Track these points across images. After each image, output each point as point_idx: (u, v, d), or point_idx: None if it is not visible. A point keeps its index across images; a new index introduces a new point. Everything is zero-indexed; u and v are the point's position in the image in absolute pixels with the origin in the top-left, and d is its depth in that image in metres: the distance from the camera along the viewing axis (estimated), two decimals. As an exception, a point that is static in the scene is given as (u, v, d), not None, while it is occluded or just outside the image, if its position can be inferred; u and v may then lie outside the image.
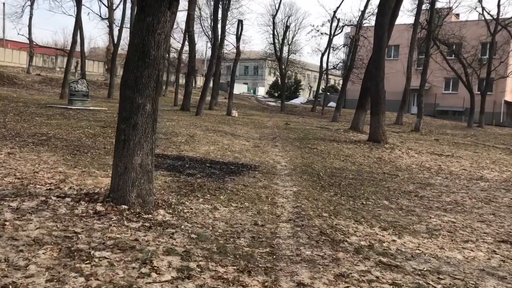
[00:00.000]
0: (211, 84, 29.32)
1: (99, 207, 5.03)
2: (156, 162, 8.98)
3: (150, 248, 4.02)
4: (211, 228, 4.97)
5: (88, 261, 3.61)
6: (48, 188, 5.87)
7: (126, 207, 5.13)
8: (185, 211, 5.54)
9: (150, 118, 5.29)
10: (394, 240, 5.32)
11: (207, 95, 24.99)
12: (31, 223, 4.37)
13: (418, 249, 5.09)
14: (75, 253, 3.74)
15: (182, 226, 4.85)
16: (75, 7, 26.27)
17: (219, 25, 27.10)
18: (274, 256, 4.29)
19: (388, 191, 8.53)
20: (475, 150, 17.30)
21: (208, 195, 6.63)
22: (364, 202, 7.38)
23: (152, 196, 5.50)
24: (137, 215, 4.98)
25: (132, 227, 4.56)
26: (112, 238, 4.16)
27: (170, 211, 5.40)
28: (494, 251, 5.33)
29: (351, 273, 4.01)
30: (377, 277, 3.99)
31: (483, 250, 5.33)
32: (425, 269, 4.37)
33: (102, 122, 14.49)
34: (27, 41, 43.09)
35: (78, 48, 28.77)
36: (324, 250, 4.63)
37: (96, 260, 3.65)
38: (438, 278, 4.16)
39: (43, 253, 3.68)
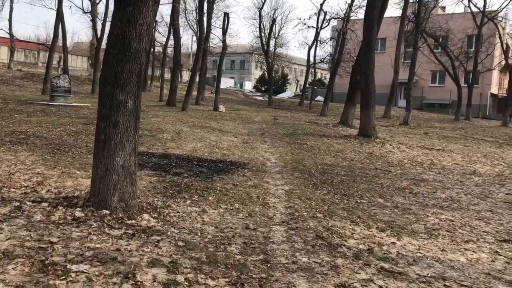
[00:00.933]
0: (197, 79, 28.81)
1: (78, 213, 4.65)
2: (141, 160, 8.62)
3: (133, 259, 3.67)
4: (199, 234, 4.63)
5: (63, 277, 3.24)
6: (23, 192, 5.47)
7: (107, 212, 4.76)
8: (171, 215, 5.19)
9: (132, 116, 4.91)
10: (393, 243, 5.03)
11: (193, 90, 24.50)
12: (1, 233, 3.98)
13: (419, 252, 4.81)
14: (50, 267, 3.37)
15: (169, 233, 4.50)
16: (56, 0, 25.57)
17: (205, 18, 26.57)
18: (269, 265, 3.97)
19: (382, 188, 8.27)
20: (465, 143, 17.17)
21: (196, 196, 6.28)
22: (359, 201, 7.10)
23: (136, 199, 5.13)
24: (119, 221, 4.61)
25: (114, 235, 4.19)
26: (91, 249, 3.79)
27: (156, 215, 5.04)
28: (497, 251, 5.08)
29: (352, 283, 3.71)
30: (381, 287, 3.70)
31: (485, 251, 5.08)
32: (429, 275, 4.09)
33: (84, 119, 14.00)
34: (8, 36, 42.03)
35: (60, 43, 28.07)
36: (322, 256, 4.33)
37: (73, 275, 3.29)
38: (445, 285, 3.88)
39: (13, 268, 3.30)
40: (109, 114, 4.81)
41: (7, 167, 6.80)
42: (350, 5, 33.28)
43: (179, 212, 5.32)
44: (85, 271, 3.35)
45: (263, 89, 60.81)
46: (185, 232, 4.61)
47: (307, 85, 46.49)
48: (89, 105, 19.02)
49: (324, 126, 19.84)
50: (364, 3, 34.94)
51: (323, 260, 4.19)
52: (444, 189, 8.61)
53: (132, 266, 3.50)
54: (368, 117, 14.99)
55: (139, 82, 4.91)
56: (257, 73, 72.29)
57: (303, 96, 44.50)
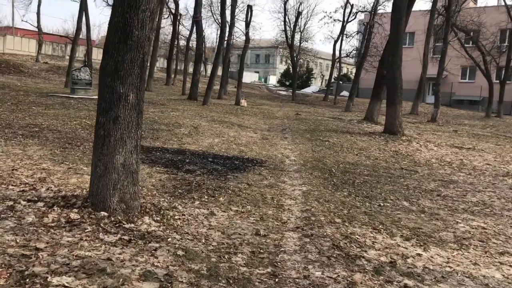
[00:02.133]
0: (219, 72, 28.47)
1: (73, 215, 4.30)
2: (154, 156, 8.29)
3: (124, 270, 3.29)
4: (203, 241, 4.22)
5: (41, 291, 2.88)
6: (21, 189, 5.16)
7: (105, 214, 4.40)
8: (176, 217, 4.80)
9: (134, 110, 4.52)
10: (419, 254, 4.52)
11: (214, 83, 24.15)
12: (-15, 237, 3.66)
13: (449, 266, 4.30)
14: (28, 279, 3.01)
15: (169, 239, 4.11)
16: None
17: (228, 11, 26.16)
18: (277, 280, 3.54)
19: (408, 190, 7.71)
20: (496, 142, 16.31)
21: (206, 197, 5.88)
22: (382, 204, 6.58)
23: (138, 200, 4.76)
24: (116, 225, 4.24)
25: (108, 241, 3.82)
26: (80, 257, 3.43)
27: (158, 218, 4.66)
28: (538, 266, 4.53)
29: (371, 305, 3.24)
30: (404, 311, 3.22)
31: (524, 265, 4.52)
32: (461, 296, 3.59)
33: (102, 112, 13.80)
34: (36, 29, 42.50)
35: (85, 36, 28.12)
36: (338, 269, 3.86)
37: (53, 289, 2.92)
38: (479, 310, 3.37)
39: (-13, 280, 2.96)
40: (109, 108, 4.44)
41: (12, 162, 6.54)
42: (378, -3, 32.29)
43: (184, 215, 4.93)
44: (67, 284, 2.98)
45: (287, 84, 60.11)
46: (187, 239, 4.21)
47: (332, 80, 45.65)
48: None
49: (348, 122, 19.21)
50: (393, -4, 33.96)
51: (338, 275, 3.73)
52: (475, 192, 7.99)
53: (121, 280, 3.11)
54: (394, 114, 14.33)
55: (142, 74, 4.52)
56: (282, 67, 71.56)
57: (327, 91, 43.68)
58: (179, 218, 4.78)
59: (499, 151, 13.61)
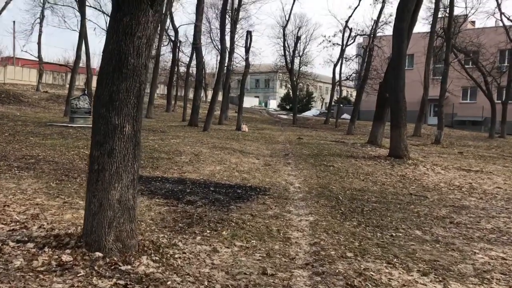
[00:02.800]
0: (220, 98, 28.37)
1: (65, 257, 3.98)
2: (154, 187, 7.98)
3: (118, 323, 2.95)
4: (206, 283, 3.88)
5: None
6: (12, 228, 4.85)
7: (100, 254, 4.08)
8: (176, 256, 4.46)
9: (131, 142, 4.25)
10: (440, 292, 4.17)
11: (215, 109, 24.00)
12: (-34, 286, 3.33)
13: (473, 305, 3.94)
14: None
15: (169, 282, 3.77)
16: (79, 21, 25.63)
17: (227, 37, 26.24)
18: (288, 328, 3.19)
19: (419, 217, 7.36)
20: (504, 164, 15.98)
21: (208, 231, 5.55)
22: (394, 234, 6.23)
23: (135, 238, 4.44)
24: (112, 267, 3.91)
25: (102, 287, 3.48)
26: (70, 308, 3.10)
27: (157, 257, 4.32)
28: None
29: None
30: None
31: (554, 302, 4.16)
32: None
33: (101, 141, 13.55)
34: (37, 59, 42.74)
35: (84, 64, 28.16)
36: (354, 314, 3.51)
37: None
38: None
39: None
40: (103, 140, 4.16)
41: (5, 197, 6.23)
42: (377, 21, 32.51)
43: (185, 253, 4.59)
44: None
45: (288, 108, 60.14)
46: (189, 281, 3.87)
47: (333, 103, 45.62)
48: (109, 126, 18.65)
49: (352, 145, 18.93)
50: (391, 19, 34.15)
51: (356, 321, 3.38)
52: (489, 218, 7.64)
53: (114, 335, 2.77)
54: (399, 137, 14.05)
55: (138, 104, 4.26)
56: (282, 91, 71.80)
57: (328, 114, 43.59)
58: (180, 257, 4.44)
59: (508, 174, 13.26)
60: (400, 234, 6.25)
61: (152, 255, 4.35)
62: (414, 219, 7.22)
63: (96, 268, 3.81)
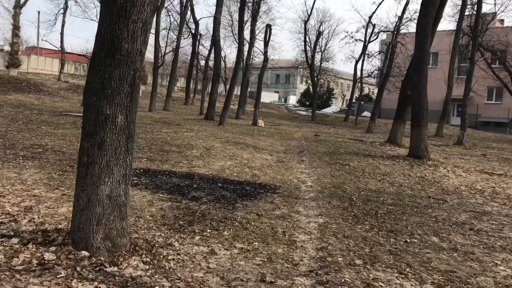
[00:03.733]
0: (238, 92, 28.03)
1: (48, 255, 3.70)
2: (159, 181, 7.71)
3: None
4: (197, 290, 3.56)
5: None
6: (0, 221, 4.60)
7: (86, 254, 3.80)
8: (169, 258, 4.16)
9: (123, 134, 3.95)
10: (456, 310, 3.77)
11: (231, 103, 23.69)
12: None
13: (493, 326, 3.54)
14: None
15: (157, 287, 3.46)
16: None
17: (247, 31, 25.88)
18: None
19: (436, 222, 6.92)
20: (530, 167, 15.27)
21: (209, 230, 5.23)
22: (408, 240, 5.82)
23: (126, 237, 4.14)
24: (97, 268, 3.62)
25: (80, 291, 3.20)
26: (40, 315, 2.81)
27: (148, 258, 4.02)
28: None
29: None
30: None
31: None
32: None
33: (113, 132, 13.37)
34: (59, 49, 43.05)
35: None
36: (357, 332, 3.15)
37: None
38: None
39: None
40: (94, 131, 3.87)
41: (2, 187, 6.02)
42: (401, 17, 31.70)
43: (180, 254, 4.28)
44: None
45: (307, 104, 59.50)
46: (178, 287, 3.55)
47: (354, 100, 44.87)
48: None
49: (370, 144, 18.41)
50: (415, 15, 33.33)
51: None
52: (512, 226, 7.15)
53: None
54: (419, 136, 13.51)
55: (132, 93, 3.95)
56: (302, 87, 71.13)
57: (348, 111, 42.89)
58: (173, 259, 4.14)
59: (533, 178, 12.62)
60: (415, 241, 5.84)
61: (144, 255, 4.06)
62: (431, 224, 6.78)
63: (79, 269, 3.52)
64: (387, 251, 5.22)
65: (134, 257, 3.95)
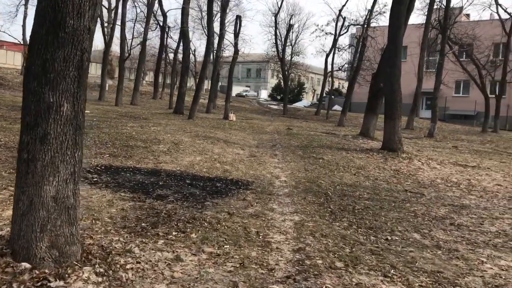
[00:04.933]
0: (208, 86, 27.42)
1: (-20, 269, 3.12)
2: (122, 179, 7.13)
3: None
4: (157, 306, 3.06)
5: None
6: None
7: (28, 266, 3.24)
8: (127, 266, 3.64)
9: (70, 126, 3.39)
10: (449, 317, 3.40)
11: (201, 97, 23.07)
12: None
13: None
14: None
15: (109, 304, 2.95)
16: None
17: (217, 23, 25.21)
18: None
19: (416, 217, 6.61)
20: (501, 159, 15.31)
21: (175, 233, 4.73)
22: (389, 237, 5.46)
23: (77, 244, 3.60)
24: (39, 283, 3.08)
25: (14, 314, 2.65)
26: None
27: (102, 269, 3.49)
28: None
29: None
30: None
31: None
32: None
33: (75, 127, 12.60)
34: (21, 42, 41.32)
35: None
36: None
37: None
38: None
39: None
40: (35, 123, 3.31)
41: None
42: (371, 10, 31.63)
43: (140, 262, 3.76)
44: None
45: (279, 98, 59.26)
46: (136, 302, 3.05)
47: (324, 94, 44.82)
48: (88, 111, 17.69)
49: (343, 137, 18.16)
50: (385, 9, 33.45)
51: None
52: (492, 220, 6.91)
53: None
54: (393, 129, 13.28)
55: (80, 78, 3.40)
56: (273, 81, 70.88)
57: (319, 105, 42.78)
58: (132, 268, 3.62)
59: (506, 170, 12.58)
60: (397, 238, 5.48)
61: (97, 265, 3.52)
62: (411, 220, 6.46)
63: (15, 285, 2.96)
64: (369, 251, 4.84)
65: (85, 268, 3.41)
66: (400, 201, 7.64)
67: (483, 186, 9.74)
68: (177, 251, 4.16)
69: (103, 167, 7.91)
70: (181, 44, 30.28)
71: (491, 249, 5.39)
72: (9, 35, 39.32)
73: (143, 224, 4.95)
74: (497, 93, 32.33)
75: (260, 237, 4.93)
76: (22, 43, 40.94)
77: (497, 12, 32.65)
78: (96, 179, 6.93)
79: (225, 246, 4.47)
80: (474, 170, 12.01)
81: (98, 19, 30.08)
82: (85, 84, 3.46)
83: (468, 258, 4.96)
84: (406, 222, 6.31)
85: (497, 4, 31.58)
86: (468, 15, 44.30)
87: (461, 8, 33.00)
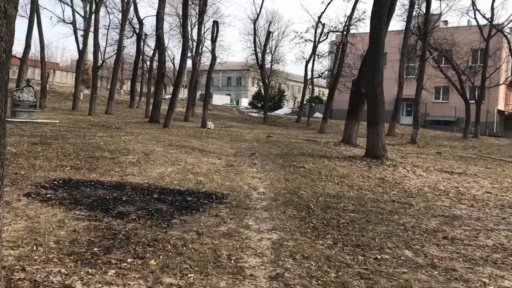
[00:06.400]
0: (185, 95, 26.64)
1: None
2: (81, 194, 6.38)
3: None
4: None
5: None
6: None
7: None
8: (61, 310, 2.91)
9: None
10: None
11: (177, 105, 22.31)
12: None
13: None
14: None
15: None
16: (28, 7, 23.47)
17: (196, 30, 24.55)
18: None
19: (405, 231, 6.02)
20: (486, 165, 14.94)
21: (130, 260, 4.01)
22: (379, 256, 4.84)
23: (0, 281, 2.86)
24: None
25: None
26: None
27: (27, 315, 2.76)
28: None
29: None
30: None
31: None
32: None
33: (38, 137, 11.73)
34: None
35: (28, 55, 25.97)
36: None
37: None
38: None
39: None
40: None
41: None
42: (350, 17, 31.37)
43: (79, 303, 3.04)
44: None
45: (259, 106, 58.75)
46: None
47: (305, 102, 44.45)
48: (58, 121, 16.81)
49: (324, 145, 17.60)
50: (364, 15, 33.20)
51: None
52: (487, 232, 6.36)
53: None
54: (376, 135, 12.74)
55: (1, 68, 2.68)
56: (253, 89, 70.43)
57: (300, 112, 42.37)
58: (67, 311, 2.89)
59: (493, 176, 12.16)
60: (387, 257, 4.86)
61: (22, 309, 2.79)
62: (401, 234, 5.86)
63: None
64: (357, 275, 4.20)
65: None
66: (388, 213, 7.05)
67: (473, 194, 9.23)
68: (129, 284, 3.45)
69: (61, 181, 7.13)
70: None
71: (491, 266, 4.82)
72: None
73: (95, 249, 4.22)
74: (476, 99, 32.35)
75: (232, 261, 4.25)
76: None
77: (475, 18, 32.83)
78: (49, 195, 6.16)
79: (189, 275, 3.78)
80: (461, 177, 11.54)
81: (72, 26, 29.17)
82: (6, 82, 2.75)
83: (469, 279, 4.37)
84: (395, 237, 5.70)
85: (474, 10, 31.69)
86: (446, 22, 44.62)
87: (439, 15, 33.04)
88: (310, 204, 7.13)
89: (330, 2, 36.77)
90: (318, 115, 44.85)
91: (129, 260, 4.00)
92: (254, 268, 4.14)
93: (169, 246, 4.47)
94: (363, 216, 6.65)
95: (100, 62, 29.14)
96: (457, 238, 5.89)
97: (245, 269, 4.09)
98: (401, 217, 6.80)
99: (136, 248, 4.31)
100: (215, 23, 25.06)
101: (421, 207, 7.73)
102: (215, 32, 24.48)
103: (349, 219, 6.41)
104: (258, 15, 40.11)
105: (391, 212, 7.15)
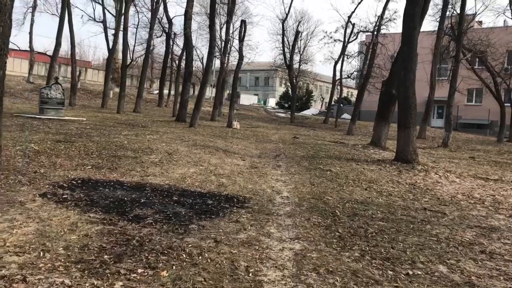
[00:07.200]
0: (211, 94, 26.53)
1: None
2: (98, 195, 6.19)
3: None
4: None
5: None
6: None
7: None
8: (60, 327, 2.66)
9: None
10: None
11: (205, 104, 22.16)
12: None
13: None
14: None
15: None
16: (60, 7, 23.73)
17: (223, 29, 24.36)
18: None
19: (439, 243, 5.58)
20: (523, 171, 14.17)
21: (141, 270, 3.75)
22: (410, 272, 4.45)
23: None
24: None
25: None
26: None
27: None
28: None
29: None
30: None
31: None
32: None
33: (62, 135, 11.69)
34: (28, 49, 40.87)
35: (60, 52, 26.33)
36: None
37: None
38: None
39: None
40: None
41: None
42: (381, 16, 30.65)
43: (80, 320, 2.79)
44: None
45: (286, 106, 58.30)
46: None
47: (333, 102, 43.79)
48: (85, 119, 16.86)
49: (352, 147, 17.11)
50: (395, 15, 32.53)
51: None
52: (529, 246, 5.85)
53: None
54: (408, 138, 12.20)
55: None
56: (281, 89, 70.02)
57: (328, 113, 41.76)
58: (66, 329, 2.64)
59: (532, 184, 11.46)
60: (419, 272, 4.47)
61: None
62: (434, 246, 5.44)
63: None
64: (387, 293, 3.83)
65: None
66: (419, 222, 6.61)
67: (511, 203, 8.66)
68: (137, 299, 3.19)
69: (79, 181, 6.97)
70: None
71: (537, 287, 4.36)
72: (12, 43, 38.46)
73: (105, 256, 3.98)
74: (512, 102, 31.13)
75: (250, 274, 3.94)
76: (29, 50, 40.53)
77: (512, 18, 31.49)
78: (66, 196, 5.99)
79: (202, 290, 3.49)
80: (497, 184, 10.92)
81: (102, 25, 29.45)
82: (1, 78, 2.51)
83: (511, 302, 3.94)
84: (428, 249, 5.29)
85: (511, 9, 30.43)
86: (480, 22, 43.21)
87: (474, 15, 31.92)
88: (336, 211, 6.76)
89: (361, 1, 36.06)
90: (346, 116, 44.16)
91: (139, 270, 3.74)
92: (274, 283, 3.82)
93: (184, 255, 4.20)
94: (392, 225, 6.25)
95: (129, 60, 29.33)
96: (496, 252, 5.43)
97: (264, 283, 3.78)
98: (433, 227, 6.36)
99: (149, 257, 4.06)
100: (243, 23, 24.84)
101: (455, 216, 7.25)
102: (243, 31, 24.25)
103: (377, 228, 6.02)
104: (287, 14, 39.74)
105: (422, 221, 6.71)
